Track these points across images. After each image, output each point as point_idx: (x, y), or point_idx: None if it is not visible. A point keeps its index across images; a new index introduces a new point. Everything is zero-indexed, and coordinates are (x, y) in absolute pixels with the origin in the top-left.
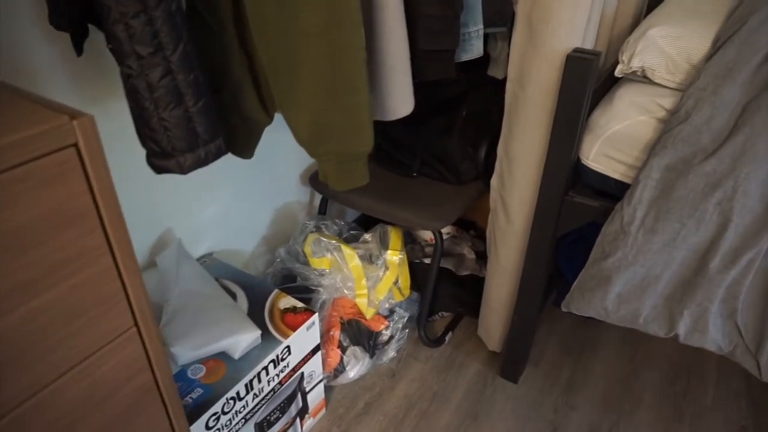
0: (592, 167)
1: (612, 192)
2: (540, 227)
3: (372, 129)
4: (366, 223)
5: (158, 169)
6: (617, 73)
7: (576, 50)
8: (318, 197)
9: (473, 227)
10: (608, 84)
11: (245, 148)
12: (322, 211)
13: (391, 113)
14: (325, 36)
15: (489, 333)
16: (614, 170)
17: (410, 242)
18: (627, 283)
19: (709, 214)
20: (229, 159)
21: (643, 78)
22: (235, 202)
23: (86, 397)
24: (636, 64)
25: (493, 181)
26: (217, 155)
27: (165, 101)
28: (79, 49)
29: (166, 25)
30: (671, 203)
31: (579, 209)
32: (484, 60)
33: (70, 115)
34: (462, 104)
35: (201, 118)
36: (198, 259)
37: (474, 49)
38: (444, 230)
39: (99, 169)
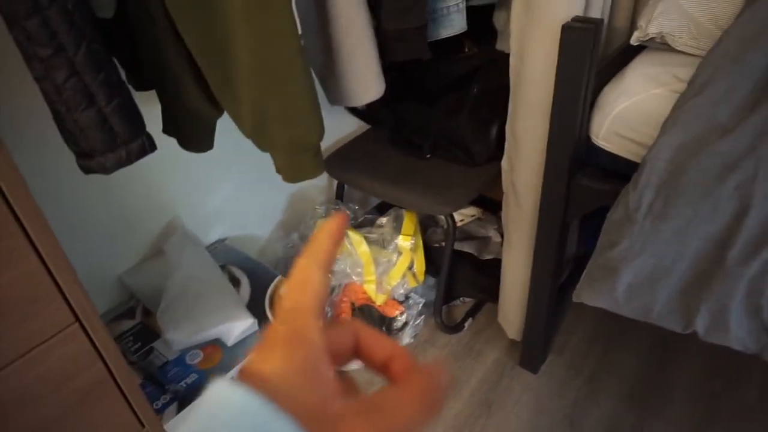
0: (603, 147)
1: (626, 174)
2: (548, 212)
3: (318, 118)
4: (388, 207)
5: (85, 170)
6: (633, 40)
7: (575, 19)
8: (335, 181)
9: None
10: (631, 55)
11: (198, 142)
12: (339, 195)
13: (355, 99)
14: (250, 22)
15: (508, 320)
16: (626, 150)
17: (432, 225)
18: (636, 274)
19: (725, 200)
20: (240, 143)
21: (662, 45)
22: (249, 186)
23: (31, 390)
24: (653, 30)
25: (503, 162)
26: (141, 154)
27: (75, 102)
28: None
29: (63, 24)
30: (682, 187)
31: (588, 193)
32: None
33: None
34: (473, 81)
35: (117, 118)
36: (210, 245)
37: (455, 24)
38: (467, 212)
39: (9, 175)
